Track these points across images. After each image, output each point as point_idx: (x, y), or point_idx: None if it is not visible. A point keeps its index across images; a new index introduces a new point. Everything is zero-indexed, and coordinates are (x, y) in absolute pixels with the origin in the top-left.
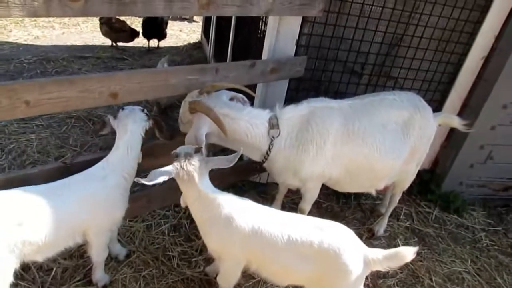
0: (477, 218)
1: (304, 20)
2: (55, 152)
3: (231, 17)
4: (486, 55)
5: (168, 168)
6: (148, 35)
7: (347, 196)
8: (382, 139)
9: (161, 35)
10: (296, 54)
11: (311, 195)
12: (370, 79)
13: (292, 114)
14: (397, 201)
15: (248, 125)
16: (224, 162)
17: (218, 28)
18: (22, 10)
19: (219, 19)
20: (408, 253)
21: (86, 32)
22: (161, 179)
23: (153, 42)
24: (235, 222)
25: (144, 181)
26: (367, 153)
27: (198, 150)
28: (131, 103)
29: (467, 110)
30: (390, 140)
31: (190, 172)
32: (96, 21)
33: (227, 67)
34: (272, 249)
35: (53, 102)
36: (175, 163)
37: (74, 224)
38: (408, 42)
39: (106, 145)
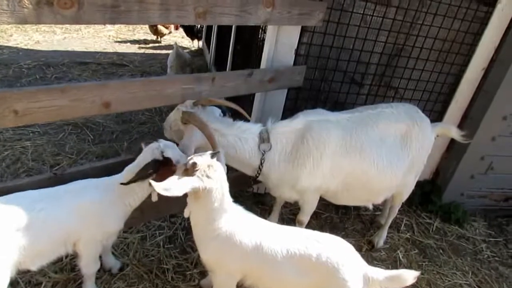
0: (478, 229)
1: (304, 29)
2: (50, 160)
3: (231, 26)
4: (486, 66)
5: (193, 179)
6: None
7: (346, 206)
8: (380, 154)
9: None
10: (295, 63)
11: (309, 207)
12: (370, 89)
13: (286, 129)
14: (396, 212)
15: (236, 139)
16: None
17: (219, 35)
18: (11, 16)
19: (220, 26)
20: (409, 276)
21: (88, 37)
22: (181, 191)
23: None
24: (236, 237)
25: (160, 190)
26: (365, 168)
27: (214, 156)
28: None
29: (468, 121)
30: (388, 155)
31: (219, 183)
32: (98, 27)
33: (224, 76)
34: (271, 264)
35: (44, 111)
36: (199, 174)
37: (67, 231)
38: (409, 53)
39: (103, 153)
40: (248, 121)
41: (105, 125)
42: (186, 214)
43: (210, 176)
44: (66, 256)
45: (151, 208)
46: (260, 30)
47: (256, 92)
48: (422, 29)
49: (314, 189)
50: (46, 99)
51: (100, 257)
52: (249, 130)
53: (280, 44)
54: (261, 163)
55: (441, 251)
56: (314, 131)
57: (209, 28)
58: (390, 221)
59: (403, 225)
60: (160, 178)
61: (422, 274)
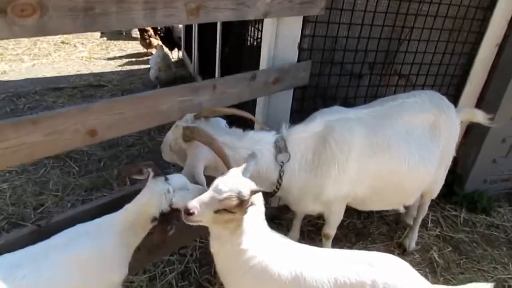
0: (505, 215)
1: (305, 20)
2: (33, 201)
3: (214, 29)
4: (500, 42)
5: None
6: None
7: None
8: (410, 149)
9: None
10: (298, 59)
11: (336, 218)
12: (380, 79)
13: (304, 134)
14: (426, 210)
15: (250, 153)
16: None
17: (201, 41)
18: None
19: (202, 30)
20: None
21: (59, 61)
22: None
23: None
24: (273, 268)
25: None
26: (394, 167)
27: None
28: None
29: (485, 103)
30: (418, 149)
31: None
32: (69, 49)
33: (225, 82)
34: None
35: (11, 152)
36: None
37: None
38: (418, 35)
39: (92, 185)
40: (251, 128)
41: (90, 153)
42: (214, 249)
43: (255, 203)
44: None
45: (157, 245)
46: (251, 28)
47: (261, 96)
48: (431, 9)
49: (340, 198)
50: (14, 136)
51: None
52: (263, 141)
53: (281, 38)
54: (280, 176)
55: (474, 244)
56: (336, 133)
57: (189, 34)
58: (420, 220)
59: (430, 221)
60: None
61: (462, 273)
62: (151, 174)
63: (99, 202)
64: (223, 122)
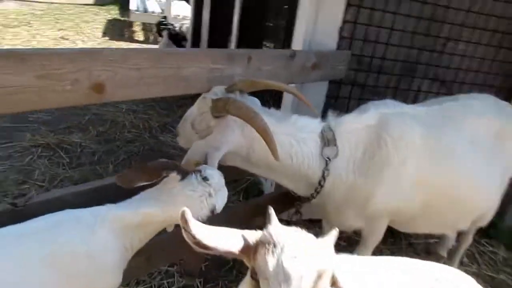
0: None
1: (348, 3)
2: (14, 189)
3: (229, 28)
4: None
5: None
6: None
7: (395, 234)
8: (474, 159)
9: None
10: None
11: (376, 238)
12: (421, 84)
13: (357, 125)
14: (471, 240)
15: (292, 140)
16: None
17: (212, 42)
18: None
19: (213, 28)
20: None
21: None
22: None
23: None
24: None
25: None
26: (456, 178)
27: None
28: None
29: None
30: (483, 161)
31: None
32: (69, 45)
33: (261, 56)
34: None
35: None
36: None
37: None
38: (466, 36)
39: (84, 178)
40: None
41: (84, 145)
42: None
43: None
44: None
45: (159, 252)
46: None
47: (296, 82)
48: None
49: (387, 212)
50: None
51: None
52: (307, 128)
53: (321, 20)
54: (323, 176)
55: None
56: (392, 128)
57: (196, 31)
58: (462, 251)
59: (464, 256)
60: None
61: None
62: (178, 177)
63: (98, 184)
64: (259, 103)
